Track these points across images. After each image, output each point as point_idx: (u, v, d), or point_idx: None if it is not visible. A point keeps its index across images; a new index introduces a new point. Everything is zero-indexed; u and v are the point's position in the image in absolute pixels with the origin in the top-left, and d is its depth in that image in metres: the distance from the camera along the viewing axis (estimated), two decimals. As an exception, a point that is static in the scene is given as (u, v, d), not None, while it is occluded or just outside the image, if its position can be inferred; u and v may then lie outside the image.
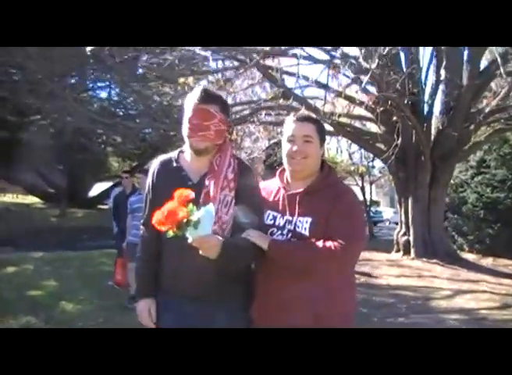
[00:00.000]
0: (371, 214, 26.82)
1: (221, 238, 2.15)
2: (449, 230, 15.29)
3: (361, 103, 10.34)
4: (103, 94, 22.53)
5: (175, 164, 2.44)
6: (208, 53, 10.71)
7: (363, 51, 9.57)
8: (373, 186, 26.44)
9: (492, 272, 10.30)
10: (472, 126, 10.75)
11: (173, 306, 2.37)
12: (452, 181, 14.57)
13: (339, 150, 22.31)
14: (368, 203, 24.75)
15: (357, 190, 33.24)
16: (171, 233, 2.02)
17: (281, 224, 2.38)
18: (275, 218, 2.42)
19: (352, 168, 21.75)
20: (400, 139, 10.60)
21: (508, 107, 10.27)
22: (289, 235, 2.34)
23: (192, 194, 2.05)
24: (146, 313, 2.42)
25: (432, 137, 11.55)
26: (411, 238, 11.48)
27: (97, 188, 29.05)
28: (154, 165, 2.54)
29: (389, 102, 9.36)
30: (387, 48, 8.25)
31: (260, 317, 2.36)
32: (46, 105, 14.27)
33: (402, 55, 10.98)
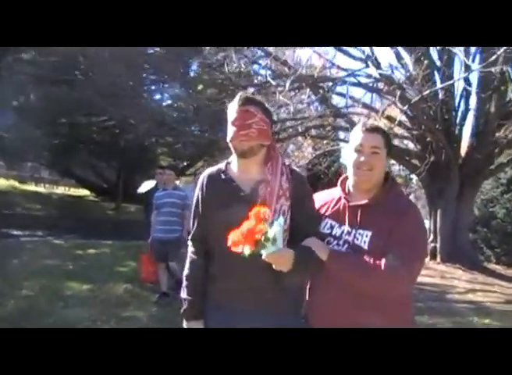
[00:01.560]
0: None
1: (291, 250, 2.15)
2: (478, 241, 16.82)
3: (400, 123, 12.04)
4: (157, 97, 24.34)
5: (223, 176, 2.41)
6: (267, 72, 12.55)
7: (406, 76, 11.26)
8: (411, 197, 27.89)
9: (509, 279, 11.83)
10: (496, 150, 12.38)
11: (224, 319, 2.33)
12: (483, 197, 16.22)
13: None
14: None
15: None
16: (248, 253, 2.01)
17: (338, 234, 2.36)
18: (332, 227, 2.39)
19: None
20: (432, 157, 12.32)
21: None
22: (345, 246, 2.31)
23: (268, 212, 2.06)
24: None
25: (461, 157, 13.21)
26: (438, 245, 13.12)
27: (146, 185, 30.80)
28: (201, 178, 2.50)
29: (423, 126, 11.05)
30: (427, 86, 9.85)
31: (313, 323, 2.37)
32: (112, 107, 16.26)
33: (438, 80, 12.57)
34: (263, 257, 2.05)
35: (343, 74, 11.53)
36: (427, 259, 13.40)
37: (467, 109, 12.73)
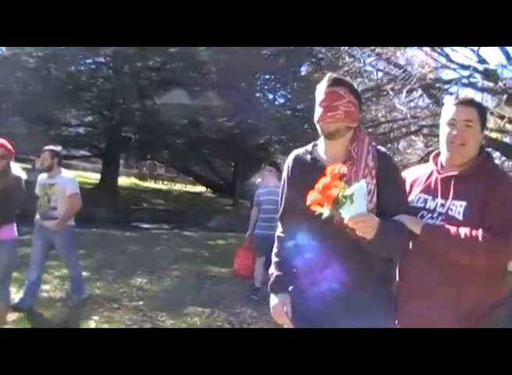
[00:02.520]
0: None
1: (375, 217, 2.13)
2: None
3: (511, 121, 12.68)
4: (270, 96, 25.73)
5: (309, 156, 2.44)
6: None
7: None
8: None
9: None
10: None
11: (312, 293, 2.37)
12: None
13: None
14: None
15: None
16: (327, 212, 2.00)
17: (432, 207, 2.32)
18: (426, 201, 2.35)
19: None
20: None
21: None
22: (440, 218, 2.26)
23: (344, 168, 2.06)
24: (280, 309, 2.44)
25: None
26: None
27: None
28: (288, 160, 2.55)
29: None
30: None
31: (402, 303, 2.35)
32: (233, 109, 17.90)
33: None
34: (345, 220, 2.03)
35: (455, 75, 12.35)
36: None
37: None
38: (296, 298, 2.46)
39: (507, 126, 14.19)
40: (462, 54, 13.71)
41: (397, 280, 2.43)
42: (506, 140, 16.80)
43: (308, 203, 2.06)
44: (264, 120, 18.53)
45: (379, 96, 13.65)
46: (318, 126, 2.35)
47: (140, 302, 6.33)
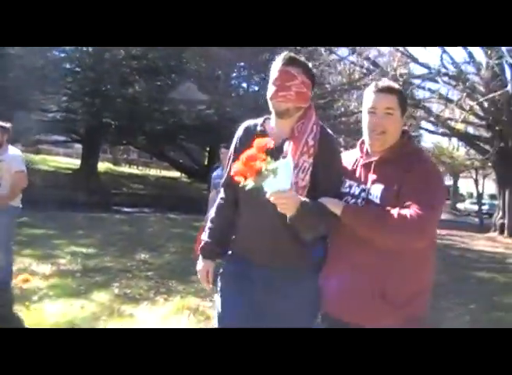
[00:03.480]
0: (487, 206, 30.17)
1: (297, 195, 2.16)
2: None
3: (473, 113, 14.00)
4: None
5: (258, 128, 2.46)
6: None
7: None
8: (491, 181, 29.41)
9: None
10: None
11: (240, 270, 2.43)
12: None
13: (456, 146, 25.69)
14: (480, 194, 28.68)
15: (470, 182, 36.23)
16: (251, 183, 2.01)
17: (356, 193, 2.37)
18: (351, 186, 2.41)
19: (468, 162, 25.08)
20: (501, 143, 14.21)
21: None
22: (363, 203, 2.33)
23: (271, 143, 2.08)
24: (204, 274, 2.55)
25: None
26: (506, 221, 14.98)
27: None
28: (239, 129, 2.57)
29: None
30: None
31: (327, 284, 2.37)
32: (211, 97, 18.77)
33: (508, 74, 14.36)
34: (267, 195, 2.05)
35: (424, 71, 13.57)
36: (495, 233, 15.37)
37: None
38: (229, 266, 2.53)
39: (471, 117, 15.52)
40: (429, 50, 14.95)
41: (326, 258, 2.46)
42: (470, 130, 18.28)
43: (232, 173, 2.10)
44: (241, 108, 19.35)
45: (352, 89, 14.80)
46: (269, 103, 2.39)
47: (150, 273, 7.20)
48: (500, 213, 15.30)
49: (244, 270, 2.43)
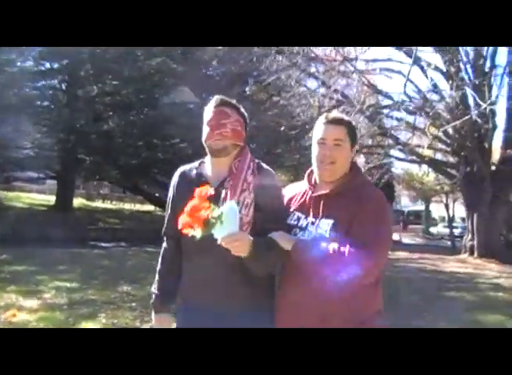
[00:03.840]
0: (460, 229, 30.98)
1: (248, 235, 2.17)
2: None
3: (440, 139, 14.66)
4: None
5: (195, 171, 2.48)
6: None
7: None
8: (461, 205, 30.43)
9: None
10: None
11: (196, 319, 2.39)
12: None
13: (426, 172, 26.55)
14: (451, 217, 29.41)
15: (442, 207, 37.14)
16: (199, 233, 2.01)
17: (303, 225, 2.38)
18: (299, 219, 2.42)
19: (437, 187, 25.91)
20: (467, 168, 14.86)
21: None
22: (310, 236, 2.32)
23: (211, 190, 2.09)
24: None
25: (493, 168, 15.69)
26: (475, 243, 15.55)
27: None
28: (174, 176, 2.57)
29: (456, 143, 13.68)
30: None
31: (278, 314, 2.40)
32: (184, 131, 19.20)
33: (471, 101, 15.06)
34: (218, 241, 2.05)
35: (388, 102, 14.23)
36: (465, 255, 15.92)
37: (494, 127, 15.16)
38: (183, 315, 2.51)
39: (438, 144, 16.21)
40: (394, 80, 15.68)
41: (276, 291, 2.47)
42: (438, 156, 19.01)
43: (180, 227, 2.09)
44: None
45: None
46: (205, 145, 2.41)
47: (133, 304, 7.41)
48: (469, 236, 15.89)
49: (196, 317, 2.41)
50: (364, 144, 15.92)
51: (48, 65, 22.64)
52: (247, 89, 24.54)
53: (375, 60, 16.07)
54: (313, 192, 2.46)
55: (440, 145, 16.28)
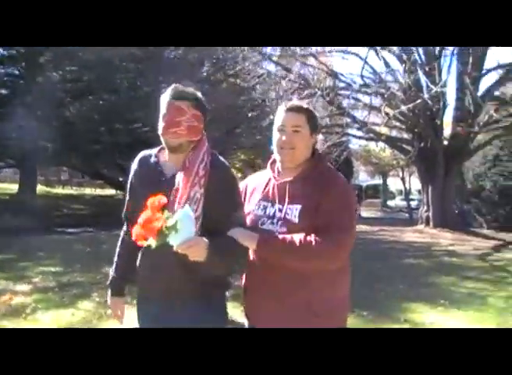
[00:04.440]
0: (416, 201, 32.32)
1: (203, 239, 2.11)
2: (471, 211, 20.36)
3: (395, 117, 15.58)
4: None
5: (153, 159, 2.43)
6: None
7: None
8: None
9: (486, 237, 15.62)
10: (472, 135, 15.89)
11: (141, 307, 2.46)
12: (473, 172, 19.75)
13: (382, 148, 27.68)
14: (408, 191, 31.19)
15: (398, 180, 38.43)
16: (154, 243, 2.00)
17: (271, 213, 2.40)
18: (265, 207, 2.44)
19: (394, 162, 27.08)
20: (421, 143, 15.89)
21: (499, 120, 15.33)
22: (279, 223, 2.35)
23: (164, 199, 2.05)
24: (115, 312, 2.59)
25: (445, 142, 16.74)
26: (430, 214, 16.66)
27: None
28: (134, 163, 2.52)
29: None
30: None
31: (252, 307, 2.48)
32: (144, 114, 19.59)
33: (423, 82, 16.03)
34: (174, 248, 2.03)
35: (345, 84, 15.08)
36: (422, 226, 17.01)
37: (445, 106, 16.21)
38: (138, 304, 2.51)
39: (393, 122, 17.14)
40: (351, 62, 16.52)
41: (244, 281, 2.52)
42: (392, 133, 20.04)
43: (134, 238, 2.06)
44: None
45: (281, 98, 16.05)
46: (161, 138, 2.35)
47: None
48: (425, 207, 17.01)
49: (143, 307, 2.47)
50: (323, 124, 16.67)
51: (4, 52, 22.56)
52: (203, 70, 25.16)
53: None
54: (277, 180, 2.50)
55: (395, 123, 17.20)
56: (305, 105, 2.53)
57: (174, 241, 2.03)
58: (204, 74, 24.43)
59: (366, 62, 15.25)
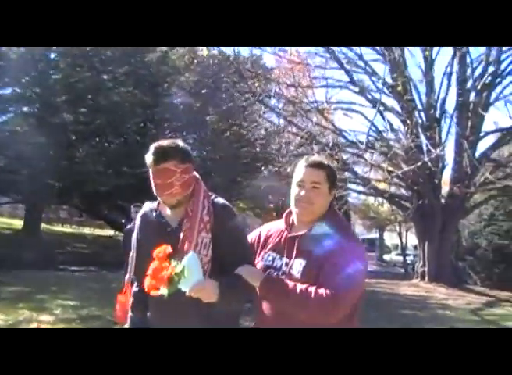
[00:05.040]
0: (412, 256, 32.93)
1: (212, 281, 2.18)
2: (466, 268, 21.08)
3: (397, 176, 16.51)
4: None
5: (154, 213, 2.48)
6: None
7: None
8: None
9: (479, 293, 16.30)
10: (468, 195, 16.81)
11: None
12: (468, 230, 20.61)
13: (380, 202, 28.54)
14: (404, 245, 32.19)
15: (394, 235, 38.89)
16: (166, 292, 2.07)
17: (278, 265, 2.42)
18: (274, 259, 2.46)
19: (391, 217, 27.86)
20: (420, 201, 16.79)
21: (495, 181, 16.25)
22: (284, 277, 2.35)
23: (169, 248, 2.12)
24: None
25: (443, 200, 17.64)
26: (426, 269, 17.42)
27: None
28: (137, 218, 2.59)
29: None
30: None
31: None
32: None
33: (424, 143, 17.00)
34: (186, 293, 2.09)
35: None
36: (417, 280, 17.73)
37: (443, 166, 17.21)
38: None
39: (394, 179, 18.03)
40: (355, 121, 17.52)
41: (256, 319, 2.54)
42: (392, 189, 20.91)
43: (146, 290, 2.13)
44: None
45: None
46: (158, 198, 2.40)
47: None
48: (421, 262, 17.77)
49: None
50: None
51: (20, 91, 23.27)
52: (207, 118, 25.96)
53: (339, 102, 17.92)
54: (289, 232, 2.50)
55: (396, 180, 18.10)
56: (326, 162, 2.55)
57: (185, 286, 2.10)
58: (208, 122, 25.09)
59: (373, 124, 16.30)
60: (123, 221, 31.82)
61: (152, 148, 2.32)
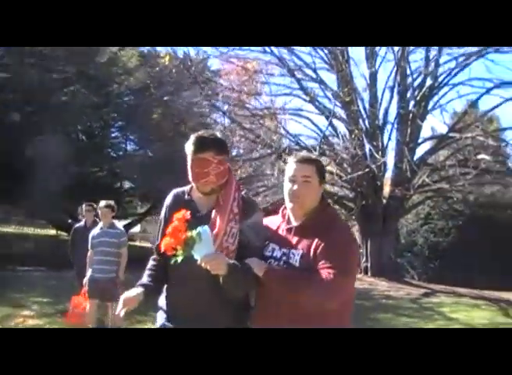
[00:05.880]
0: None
1: (224, 255, 2.35)
2: (404, 264, 22.57)
3: (340, 177, 17.80)
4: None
5: (186, 196, 2.64)
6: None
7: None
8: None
9: (417, 286, 17.85)
10: (407, 196, 18.32)
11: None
12: (406, 229, 22.16)
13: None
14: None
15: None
16: (181, 253, 2.21)
17: (278, 256, 2.57)
18: (273, 250, 2.61)
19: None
20: (363, 201, 18.22)
21: (431, 184, 17.83)
22: (284, 266, 2.52)
23: (187, 214, 2.28)
24: (130, 297, 2.49)
25: (384, 201, 19.11)
26: (369, 264, 18.94)
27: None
28: (168, 198, 2.72)
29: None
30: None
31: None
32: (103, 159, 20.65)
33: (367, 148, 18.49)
34: (198, 261, 2.22)
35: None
36: (361, 275, 19.04)
37: (385, 170, 18.66)
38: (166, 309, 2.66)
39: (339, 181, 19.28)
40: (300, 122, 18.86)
41: (254, 310, 2.66)
42: (335, 189, 22.11)
43: (163, 249, 2.27)
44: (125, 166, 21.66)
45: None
46: (193, 184, 2.56)
47: None
48: (364, 258, 19.08)
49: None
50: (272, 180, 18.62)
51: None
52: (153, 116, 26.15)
53: (289, 109, 19.02)
54: (286, 225, 2.67)
55: (339, 181, 19.24)
56: (313, 157, 2.76)
57: (198, 252, 2.24)
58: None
59: (322, 132, 17.64)
60: (70, 221, 31.91)
61: (193, 137, 2.53)
